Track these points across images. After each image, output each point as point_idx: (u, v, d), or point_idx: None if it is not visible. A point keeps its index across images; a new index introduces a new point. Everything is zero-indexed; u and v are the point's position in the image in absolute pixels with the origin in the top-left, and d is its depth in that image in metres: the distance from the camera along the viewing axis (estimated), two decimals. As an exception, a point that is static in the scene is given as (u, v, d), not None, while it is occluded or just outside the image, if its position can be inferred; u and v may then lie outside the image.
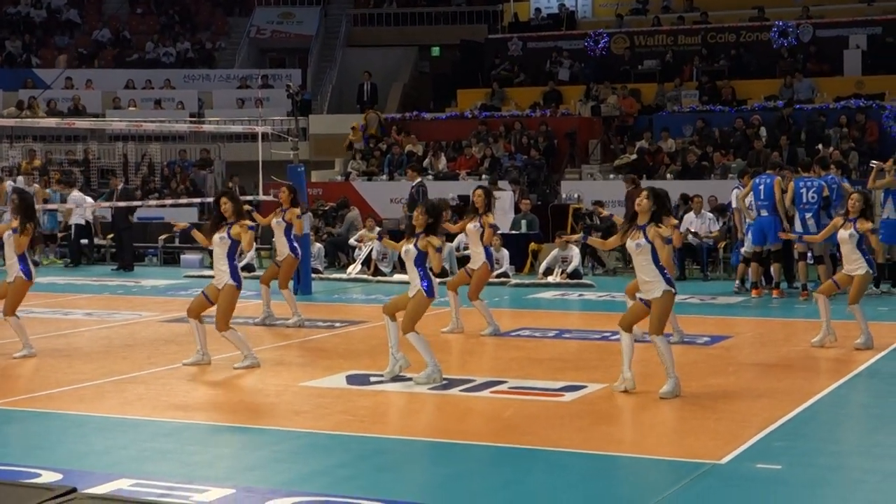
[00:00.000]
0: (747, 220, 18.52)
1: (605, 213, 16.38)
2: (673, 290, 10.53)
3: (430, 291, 11.32)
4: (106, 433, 9.47)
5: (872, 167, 18.59)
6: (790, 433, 9.28)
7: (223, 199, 12.38)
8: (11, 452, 8.80)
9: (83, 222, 24.66)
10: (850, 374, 11.77)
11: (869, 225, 13.11)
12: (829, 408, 10.46)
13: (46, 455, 8.66)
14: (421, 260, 11.39)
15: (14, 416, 10.15)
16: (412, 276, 11.42)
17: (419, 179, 21.60)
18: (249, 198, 20.54)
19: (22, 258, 12.94)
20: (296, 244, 15.75)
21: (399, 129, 29.48)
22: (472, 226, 14.74)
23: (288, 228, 15.64)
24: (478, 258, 14.80)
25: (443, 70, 36.64)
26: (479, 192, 15.00)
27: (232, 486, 7.74)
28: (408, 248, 11.42)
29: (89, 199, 25.02)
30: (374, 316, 16.59)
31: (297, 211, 15.83)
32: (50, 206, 24.44)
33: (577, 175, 26.31)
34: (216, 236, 12.31)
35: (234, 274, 12.23)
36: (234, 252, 12.34)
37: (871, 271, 13.25)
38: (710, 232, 20.68)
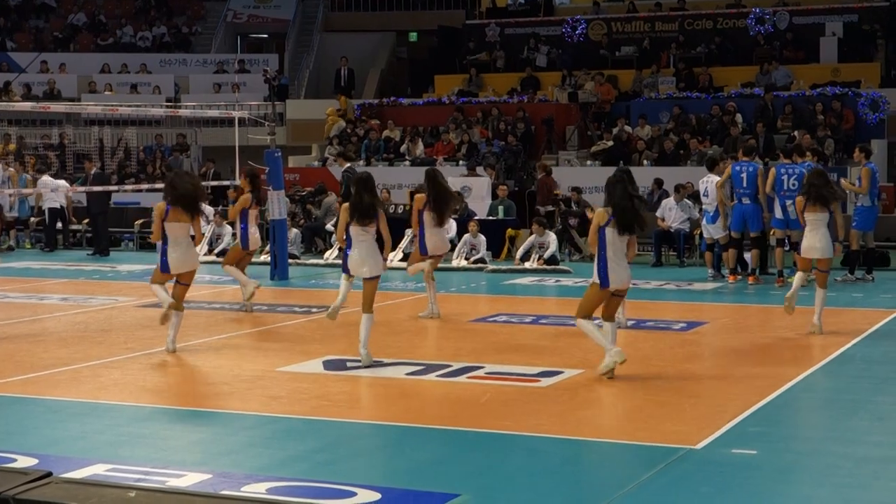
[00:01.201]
0: (705, 207, 18.60)
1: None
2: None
3: None
4: (81, 418, 9.44)
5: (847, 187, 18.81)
6: (765, 419, 9.32)
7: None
8: (-14, 437, 8.77)
9: (58, 206, 24.54)
10: (824, 360, 11.83)
11: (835, 205, 13.42)
12: (804, 393, 10.51)
13: (21, 440, 8.62)
14: None
15: (-11, 401, 10.11)
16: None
17: (347, 165, 21.60)
18: (227, 183, 20.46)
19: None
20: (249, 233, 15.52)
21: (375, 114, 29.44)
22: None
23: (244, 214, 15.55)
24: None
25: (420, 56, 36.61)
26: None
27: (208, 471, 7.73)
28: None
29: (62, 183, 24.89)
30: (351, 301, 16.57)
31: (248, 197, 15.65)
32: (25, 191, 24.33)
33: (554, 161, 26.33)
34: None
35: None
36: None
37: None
38: (691, 218, 20.73)
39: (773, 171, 17.96)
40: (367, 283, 11.66)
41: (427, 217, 14.54)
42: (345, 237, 11.67)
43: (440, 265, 18.65)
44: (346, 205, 11.70)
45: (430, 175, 14.57)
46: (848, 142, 24.82)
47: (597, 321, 10.90)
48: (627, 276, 10.79)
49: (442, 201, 14.41)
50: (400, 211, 22.40)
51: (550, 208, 23.30)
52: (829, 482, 7.73)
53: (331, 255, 21.63)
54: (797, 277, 13.43)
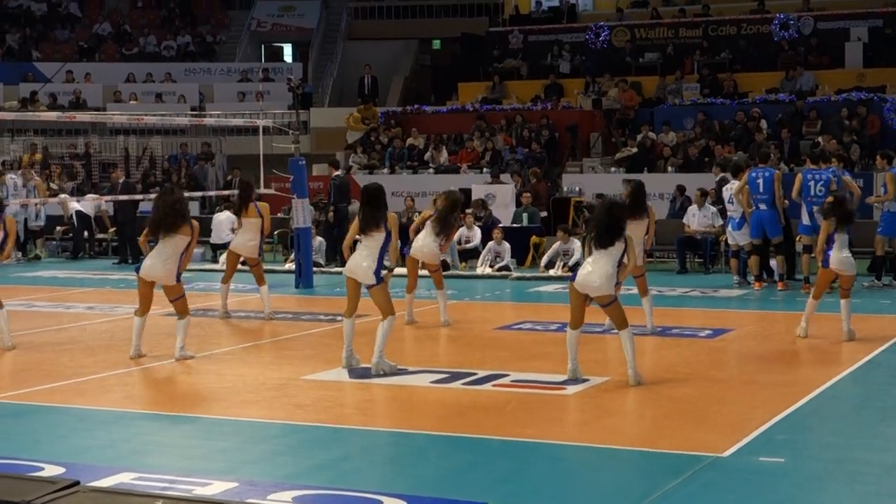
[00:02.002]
0: (730, 214, 18.58)
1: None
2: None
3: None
4: (108, 427, 9.47)
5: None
6: (793, 426, 9.28)
7: None
8: (14, 446, 8.80)
9: (83, 210, 24.64)
10: (852, 367, 11.76)
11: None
12: (832, 400, 10.45)
13: (49, 449, 8.66)
14: None
15: (16, 410, 10.16)
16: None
17: (336, 173, 21.65)
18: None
19: None
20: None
21: (399, 122, 29.48)
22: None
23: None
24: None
25: (443, 63, 36.66)
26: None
27: (234, 480, 7.74)
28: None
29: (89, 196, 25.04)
30: (375, 309, 16.58)
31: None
32: (51, 200, 24.45)
33: (578, 168, 26.30)
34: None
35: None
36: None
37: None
38: (713, 225, 20.64)
39: (799, 176, 17.89)
40: (368, 289, 11.66)
41: (429, 227, 14.67)
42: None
43: (463, 273, 18.76)
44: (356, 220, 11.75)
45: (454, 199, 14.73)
46: (874, 147, 24.67)
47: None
48: (597, 282, 10.73)
49: (447, 225, 14.59)
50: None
51: (543, 214, 23.27)
52: (857, 490, 7.68)
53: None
54: (809, 304, 13.37)
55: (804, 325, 13.36)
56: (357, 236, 11.73)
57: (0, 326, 13.01)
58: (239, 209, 15.89)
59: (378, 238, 11.56)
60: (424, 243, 14.75)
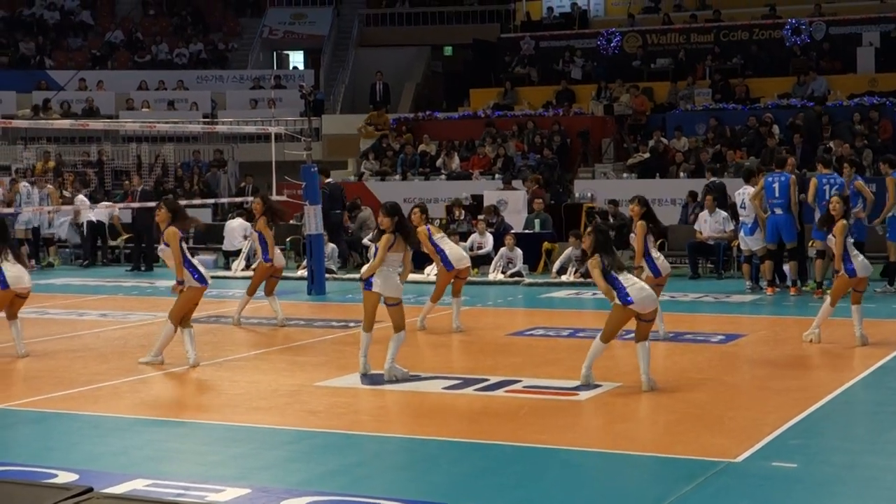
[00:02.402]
0: (743, 220, 18.55)
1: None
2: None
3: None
4: (121, 433, 9.50)
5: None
6: (805, 431, 9.27)
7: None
8: (28, 453, 8.84)
9: (95, 220, 24.70)
10: (864, 372, 11.74)
11: (842, 224, 13.25)
12: (844, 405, 10.44)
13: (63, 455, 8.69)
14: None
15: (30, 417, 10.20)
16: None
17: (327, 181, 21.75)
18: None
19: None
20: (269, 251, 15.59)
21: (410, 128, 29.52)
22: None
23: (261, 237, 15.66)
24: None
25: (455, 69, 36.68)
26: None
27: (247, 486, 7.76)
28: None
29: (104, 204, 25.12)
30: (388, 316, 16.59)
31: (263, 220, 15.71)
32: (65, 207, 24.52)
33: (590, 174, 26.29)
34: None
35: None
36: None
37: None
38: (724, 231, 20.62)
39: (814, 181, 17.86)
40: (394, 305, 11.63)
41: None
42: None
43: (474, 278, 18.79)
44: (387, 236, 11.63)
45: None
46: (886, 152, 24.62)
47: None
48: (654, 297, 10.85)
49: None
50: (437, 223, 22.41)
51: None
52: (870, 495, 7.67)
53: (367, 269, 21.62)
54: (825, 310, 13.33)
55: (817, 330, 13.32)
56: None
57: (14, 335, 13.07)
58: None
59: (396, 254, 11.56)
60: (459, 252, 14.90)
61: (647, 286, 10.94)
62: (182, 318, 12.45)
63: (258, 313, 16.69)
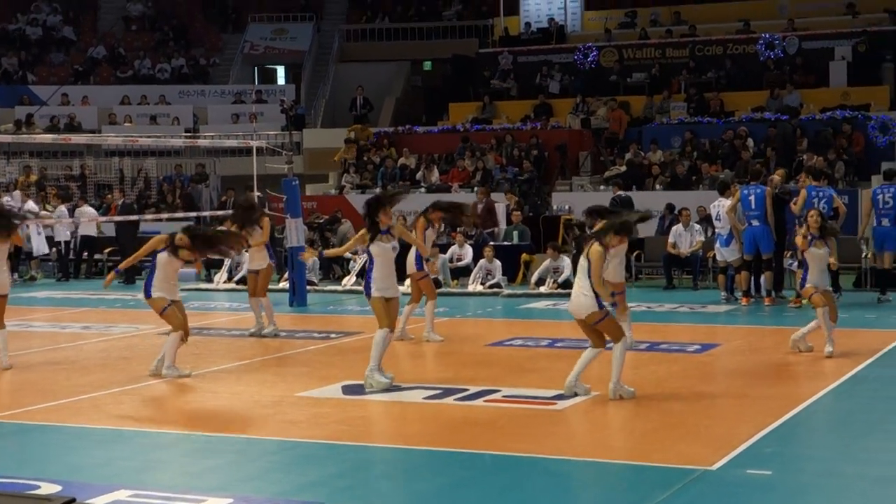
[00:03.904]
0: (718, 231, 18.64)
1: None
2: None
3: None
4: (104, 445, 9.46)
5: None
6: (780, 439, 9.30)
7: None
8: (11, 464, 8.79)
9: (68, 238, 24.62)
10: (838, 381, 11.78)
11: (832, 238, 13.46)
12: (818, 414, 10.48)
13: (45, 467, 8.65)
14: None
15: (13, 429, 10.15)
16: None
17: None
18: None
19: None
20: (272, 252, 15.99)
21: (390, 142, 29.53)
22: None
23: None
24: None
25: (434, 84, 36.70)
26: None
27: (229, 496, 7.74)
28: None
29: (90, 210, 25.00)
30: (368, 326, 16.56)
31: (268, 220, 15.87)
32: (47, 221, 24.41)
33: (567, 187, 26.34)
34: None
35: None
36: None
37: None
38: (695, 242, 20.72)
39: (803, 193, 17.84)
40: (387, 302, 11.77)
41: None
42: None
43: (454, 290, 18.81)
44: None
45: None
46: (858, 165, 24.81)
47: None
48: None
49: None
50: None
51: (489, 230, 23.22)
52: (844, 502, 7.70)
53: (348, 281, 21.66)
54: (816, 320, 13.38)
55: (830, 347, 13.13)
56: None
57: None
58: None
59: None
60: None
61: (578, 293, 10.85)
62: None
63: (240, 324, 16.65)
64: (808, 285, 13.17)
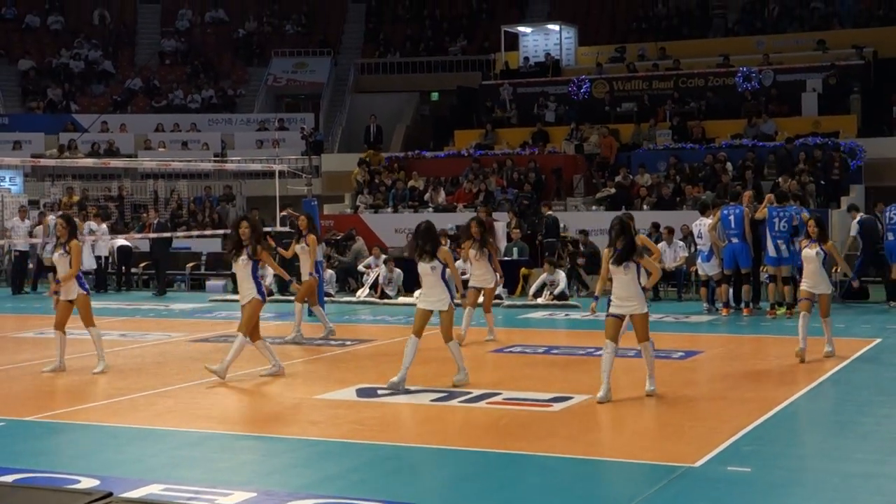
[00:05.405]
0: (699, 248, 18.63)
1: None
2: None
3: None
4: (139, 442, 9.44)
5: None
6: (758, 438, 9.25)
7: (243, 224, 12.47)
8: (54, 461, 8.77)
9: (123, 245, 24.65)
10: (812, 384, 11.75)
11: (831, 244, 13.38)
12: (794, 415, 10.44)
13: (84, 463, 8.63)
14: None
15: (56, 428, 10.13)
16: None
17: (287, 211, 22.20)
18: (268, 229, 20.53)
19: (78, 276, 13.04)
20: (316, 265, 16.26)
21: (401, 166, 29.54)
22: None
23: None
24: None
25: (441, 113, 36.70)
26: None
27: (254, 490, 7.71)
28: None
29: (103, 227, 24.94)
30: (380, 335, 16.59)
31: (313, 237, 15.99)
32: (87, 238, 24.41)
33: (562, 207, 26.32)
34: (240, 259, 12.34)
35: (260, 289, 12.44)
36: (256, 270, 12.45)
37: (833, 289, 13.51)
38: (678, 258, 20.68)
39: (764, 211, 17.91)
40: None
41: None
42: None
43: (459, 302, 18.73)
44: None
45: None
46: (829, 187, 24.75)
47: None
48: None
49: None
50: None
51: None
52: (818, 497, 7.66)
53: (362, 293, 21.64)
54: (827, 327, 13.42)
55: (830, 348, 13.35)
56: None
57: (94, 343, 13.17)
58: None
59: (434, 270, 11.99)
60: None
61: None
62: (253, 331, 12.41)
63: (264, 332, 16.61)
64: (801, 288, 13.24)
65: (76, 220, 24.93)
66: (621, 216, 11.04)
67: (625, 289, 10.79)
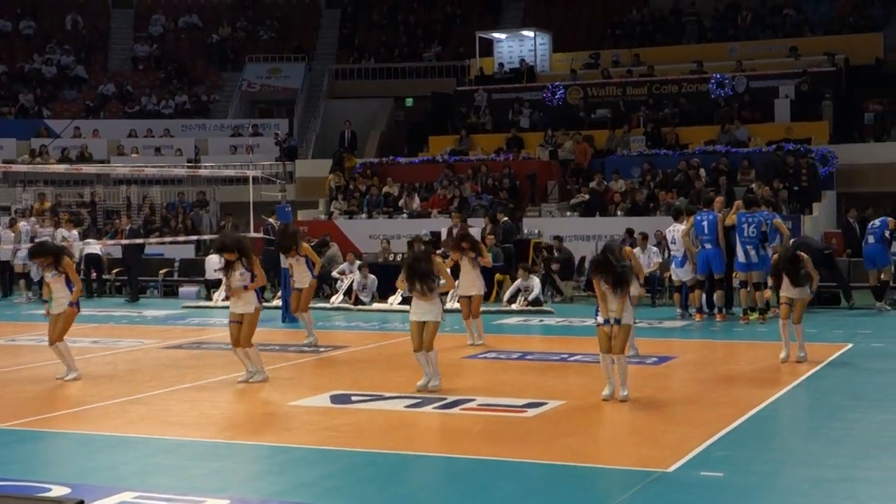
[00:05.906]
0: (673, 253, 18.71)
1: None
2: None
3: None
4: (111, 450, 9.39)
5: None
6: (730, 444, 9.30)
7: (227, 255, 12.57)
8: (24, 468, 8.71)
9: (92, 252, 24.47)
10: (782, 391, 11.81)
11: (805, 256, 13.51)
12: (766, 420, 10.49)
13: (56, 470, 8.58)
14: None
15: (27, 436, 10.06)
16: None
17: (269, 220, 22.47)
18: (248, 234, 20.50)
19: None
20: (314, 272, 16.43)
21: (375, 172, 29.53)
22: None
23: (308, 260, 16.22)
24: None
25: (416, 119, 36.72)
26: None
27: (227, 497, 7.69)
28: None
29: (74, 234, 24.77)
30: (355, 341, 16.58)
31: (306, 245, 16.42)
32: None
33: (537, 212, 26.37)
34: (236, 273, 12.50)
35: (259, 298, 12.86)
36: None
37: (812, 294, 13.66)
38: (652, 263, 20.74)
39: (733, 217, 18.01)
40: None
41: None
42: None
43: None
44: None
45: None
46: (801, 193, 24.90)
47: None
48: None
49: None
50: (399, 259, 22.44)
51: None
52: (790, 501, 7.70)
53: (336, 299, 21.61)
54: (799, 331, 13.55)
55: (802, 353, 13.50)
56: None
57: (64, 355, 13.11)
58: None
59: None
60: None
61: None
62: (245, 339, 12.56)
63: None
64: (780, 293, 13.45)
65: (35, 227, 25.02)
66: (606, 252, 11.14)
67: (615, 303, 10.95)
